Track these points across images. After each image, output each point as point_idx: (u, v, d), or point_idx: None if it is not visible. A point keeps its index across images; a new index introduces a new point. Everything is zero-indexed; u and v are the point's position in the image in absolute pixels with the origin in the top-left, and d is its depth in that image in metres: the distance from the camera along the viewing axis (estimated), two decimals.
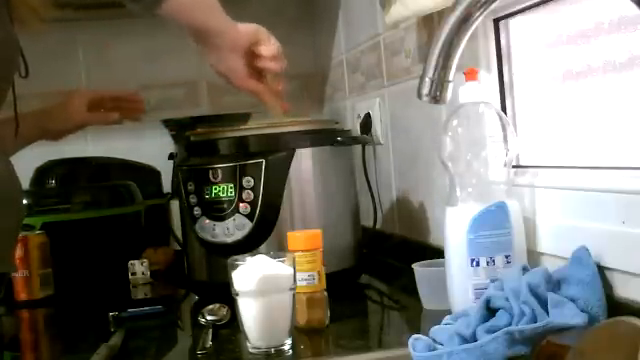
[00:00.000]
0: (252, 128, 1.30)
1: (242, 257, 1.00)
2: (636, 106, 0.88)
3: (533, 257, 0.99)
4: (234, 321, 1.03)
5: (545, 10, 1.04)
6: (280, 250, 1.13)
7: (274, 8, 2.01)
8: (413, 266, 1.12)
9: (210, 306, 1.14)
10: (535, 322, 0.77)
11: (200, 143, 1.35)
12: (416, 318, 1.10)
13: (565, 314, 0.77)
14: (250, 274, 0.97)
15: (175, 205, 1.57)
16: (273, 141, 1.27)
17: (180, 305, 1.41)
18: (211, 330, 1.07)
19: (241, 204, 1.24)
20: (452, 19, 0.79)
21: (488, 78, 1.14)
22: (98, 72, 1.97)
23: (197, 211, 1.28)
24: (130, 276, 1.58)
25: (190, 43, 1.13)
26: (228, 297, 1.00)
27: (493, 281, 0.90)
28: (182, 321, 1.30)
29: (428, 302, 1.11)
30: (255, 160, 1.24)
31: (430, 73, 0.80)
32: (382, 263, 1.50)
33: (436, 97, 0.81)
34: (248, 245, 1.23)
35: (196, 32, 1.10)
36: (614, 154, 0.92)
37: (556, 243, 0.96)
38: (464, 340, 0.81)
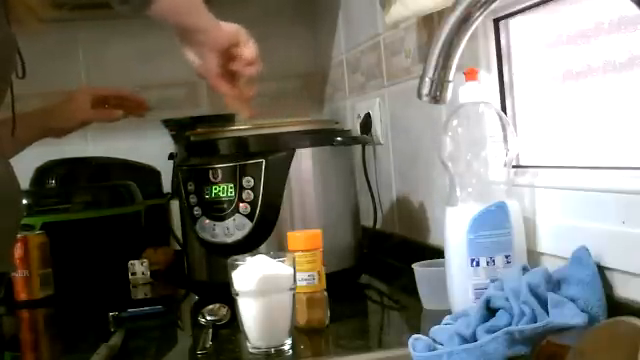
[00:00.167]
0: (252, 128, 1.30)
1: (242, 257, 1.00)
2: (636, 106, 0.88)
3: (533, 257, 0.99)
4: (234, 321, 1.03)
5: (545, 10, 1.04)
6: (280, 250, 1.13)
7: (274, 8, 2.02)
8: (413, 266, 1.12)
9: (210, 306, 1.14)
10: (535, 322, 0.77)
11: (200, 143, 1.35)
12: (416, 318, 1.10)
13: (565, 314, 0.77)
14: (250, 274, 0.97)
15: (175, 205, 1.57)
16: (273, 141, 1.27)
17: (180, 305, 1.41)
18: (211, 330, 1.07)
19: (241, 204, 1.24)
20: (452, 19, 0.79)
21: (488, 78, 1.14)
22: (98, 72, 1.97)
23: (197, 211, 1.28)
24: (130, 276, 1.58)
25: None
26: (228, 297, 1.00)
27: (493, 281, 0.90)
28: (182, 321, 1.30)
29: (428, 302, 1.11)
30: (255, 160, 1.24)
31: (430, 73, 0.80)
32: (382, 263, 1.50)
33: (436, 97, 0.81)
34: (248, 245, 1.23)
35: (182, 31, 1.11)
36: (614, 154, 0.92)
37: (556, 243, 0.96)
38: (464, 340, 0.81)
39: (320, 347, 1.04)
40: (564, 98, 1.02)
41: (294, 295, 0.99)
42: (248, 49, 1.14)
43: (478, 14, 0.78)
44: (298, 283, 1.01)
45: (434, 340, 0.86)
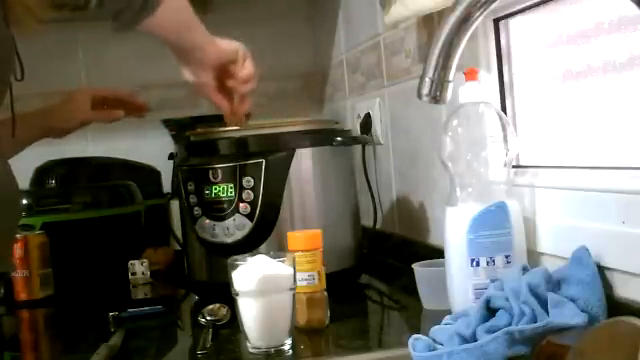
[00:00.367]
0: (252, 128, 1.30)
1: (242, 257, 1.00)
2: (636, 106, 0.88)
3: (533, 257, 0.99)
4: (234, 321, 1.03)
5: (545, 10, 1.04)
6: (280, 250, 1.13)
7: (274, 8, 2.01)
8: (413, 266, 1.12)
9: (210, 306, 1.14)
10: (535, 322, 0.77)
11: (200, 143, 1.35)
12: (416, 318, 1.10)
13: (565, 314, 0.77)
14: (250, 274, 0.97)
15: (175, 205, 1.57)
16: (273, 141, 1.27)
17: (180, 305, 1.41)
18: (211, 330, 1.07)
19: (241, 204, 1.24)
20: (452, 19, 0.79)
21: (488, 78, 1.14)
22: (98, 72, 1.97)
23: (197, 211, 1.28)
24: (130, 276, 1.58)
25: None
26: (228, 297, 1.00)
27: (493, 281, 0.90)
28: (182, 321, 1.30)
29: (428, 302, 1.11)
30: (255, 160, 1.24)
31: (430, 73, 0.80)
32: (382, 263, 1.50)
33: (436, 97, 0.81)
34: (248, 245, 1.23)
35: (179, 49, 1.12)
36: (614, 154, 0.92)
37: (556, 243, 0.96)
38: (464, 340, 0.81)
39: (320, 347, 1.04)
40: (564, 98, 1.02)
41: (294, 295, 0.99)
42: (245, 69, 1.15)
43: (478, 14, 0.78)
44: (298, 283, 1.01)
45: (434, 340, 0.86)
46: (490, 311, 0.83)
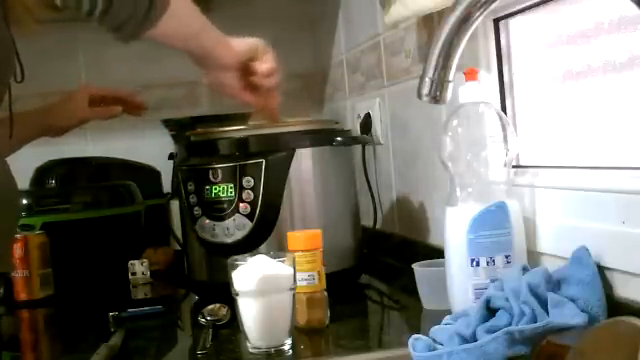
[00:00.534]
0: (252, 128, 1.30)
1: (242, 257, 1.00)
2: (636, 106, 0.88)
3: (533, 257, 0.99)
4: (234, 321, 1.03)
5: (545, 10, 1.04)
6: (280, 250, 1.13)
7: (275, 8, 2.01)
8: (413, 266, 1.12)
9: (210, 306, 1.14)
10: (535, 322, 0.77)
11: (200, 143, 1.35)
12: (416, 318, 1.10)
13: (565, 314, 0.77)
14: (250, 274, 0.97)
15: (175, 205, 1.57)
16: (273, 141, 1.27)
17: (180, 305, 1.41)
18: (211, 330, 1.07)
19: (241, 204, 1.24)
20: (452, 19, 0.79)
21: (488, 78, 1.14)
22: (98, 72, 1.97)
23: (197, 211, 1.28)
24: (130, 276, 1.58)
25: None
26: (228, 297, 1.00)
27: (493, 281, 0.90)
28: (182, 321, 1.30)
29: (428, 302, 1.11)
30: (255, 160, 1.24)
31: (430, 73, 0.80)
32: (382, 263, 1.50)
33: (436, 97, 0.81)
34: (248, 245, 1.23)
35: (193, 56, 1.11)
36: (614, 154, 0.92)
37: (556, 243, 0.96)
38: (464, 340, 0.81)
39: (320, 347, 1.04)
40: (564, 98, 1.02)
41: (294, 295, 0.99)
42: (264, 63, 1.14)
43: (478, 14, 0.78)
44: (298, 283, 1.01)
45: (434, 340, 0.86)
46: (490, 311, 0.83)
